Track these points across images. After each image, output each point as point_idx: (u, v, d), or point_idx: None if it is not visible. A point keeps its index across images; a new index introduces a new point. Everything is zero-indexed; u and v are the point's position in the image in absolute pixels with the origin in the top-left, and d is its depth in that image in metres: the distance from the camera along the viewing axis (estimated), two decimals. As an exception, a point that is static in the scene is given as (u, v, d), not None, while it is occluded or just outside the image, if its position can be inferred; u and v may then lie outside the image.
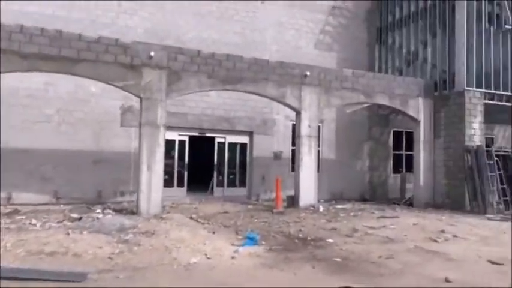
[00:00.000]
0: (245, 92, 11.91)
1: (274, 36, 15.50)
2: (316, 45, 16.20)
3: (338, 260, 6.73)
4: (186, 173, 14.34)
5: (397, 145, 17.38)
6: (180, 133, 14.13)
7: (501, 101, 13.97)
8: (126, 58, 10.24)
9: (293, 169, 13.40)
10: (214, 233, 8.45)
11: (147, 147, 10.31)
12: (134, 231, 7.89)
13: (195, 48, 11.55)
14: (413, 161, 14.42)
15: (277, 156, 15.21)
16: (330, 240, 8.17)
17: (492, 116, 15.49)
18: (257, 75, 11.63)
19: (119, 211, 10.61)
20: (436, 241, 8.38)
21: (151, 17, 13.75)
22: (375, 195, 16.31)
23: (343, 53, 16.54)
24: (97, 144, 12.82)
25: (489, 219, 11.22)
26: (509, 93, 13.99)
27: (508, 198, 12.28)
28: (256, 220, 10.39)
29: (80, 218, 8.84)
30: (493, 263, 6.77)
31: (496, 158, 12.40)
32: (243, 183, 15.18)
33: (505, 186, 12.42)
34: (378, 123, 16.74)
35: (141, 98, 10.46)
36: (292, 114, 13.05)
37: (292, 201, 12.35)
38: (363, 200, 15.76)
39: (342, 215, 11.40)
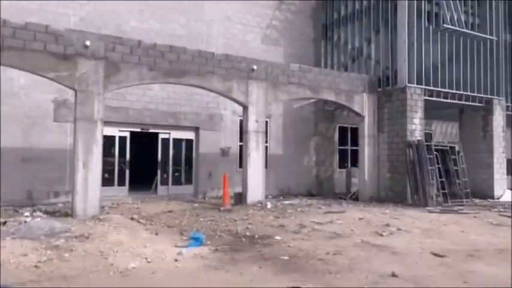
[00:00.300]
0: (189, 85, 11.43)
1: (221, 30, 15.10)
2: (263, 40, 16.00)
3: (286, 258, 6.52)
4: (127, 171, 13.60)
5: (342, 140, 17.65)
6: (121, 129, 13.36)
7: (439, 97, 14.53)
8: (58, 47, 9.39)
9: (241, 165, 13.13)
10: (156, 234, 7.96)
11: (82, 144, 9.55)
12: (66, 236, 7.22)
13: (136, 38, 10.89)
14: (358, 155, 14.67)
15: (224, 152, 14.86)
16: (278, 238, 7.97)
17: (430, 112, 16.15)
18: (202, 68, 11.19)
19: (51, 213, 9.77)
20: (381, 235, 8.44)
21: (87, 4, 12.83)
22: (321, 190, 16.46)
23: (290, 48, 16.48)
24: (27, 141, 11.76)
25: (429, 211, 11.60)
26: (447, 90, 14.60)
27: (446, 190, 12.79)
28: (202, 219, 9.99)
29: (4, 223, 7.98)
30: (436, 255, 6.87)
31: (435, 152, 12.88)
32: (189, 181, 14.68)
33: (443, 179, 12.93)
34: (324, 118, 16.88)
35: (75, 91, 9.66)
36: (240, 109, 12.76)
37: (240, 198, 12.07)
38: (310, 195, 15.84)
39: (289, 211, 11.29)
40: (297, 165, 16.26)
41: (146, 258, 6.18)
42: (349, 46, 16.08)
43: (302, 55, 16.46)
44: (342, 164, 17.44)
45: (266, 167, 14.77)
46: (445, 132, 20.52)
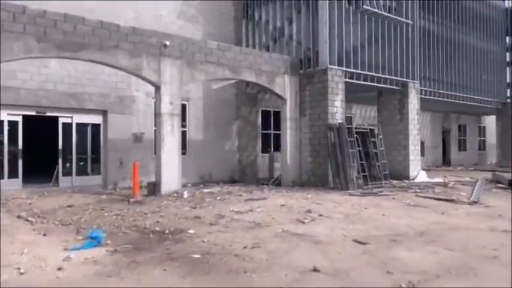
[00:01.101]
0: (89, 61, 9.97)
1: (131, 2, 13.58)
2: (179, 16, 14.77)
3: (197, 256, 5.67)
4: (20, 161, 11.77)
5: (265, 124, 17.13)
6: (10, 112, 11.49)
7: (359, 80, 14.49)
8: None
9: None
10: (44, 235, 6.70)
11: (-50, 129, 7.81)
12: None
13: (22, 4, 9.17)
14: (281, 139, 14.20)
15: (137, 138, 13.54)
16: (191, 232, 7.10)
17: (350, 95, 16.15)
18: (105, 42, 9.80)
19: None
20: (303, 222, 7.93)
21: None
22: (244, 175, 15.83)
23: (209, 26, 15.45)
24: None
25: (350, 194, 11.45)
26: (366, 73, 14.59)
27: (366, 173, 12.79)
28: (107, 213, 8.79)
29: None
30: (358, 242, 6.47)
31: (355, 135, 12.77)
32: (97, 171, 13.19)
33: (363, 162, 12.90)
34: (246, 102, 16.19)
35: None
36: (153, 90, 11.55)
37: (154, 188, 10.97)
38: (233, 181, 15.15)
39: (208, 200, 10.44)
40: (219, 151, 15.43)
41: (19, 268, 4.97)
42: (271, 26, 15.45)
43: (222, 34, 15.51)
44: (265, 149, 16.96)
45: (185, 153, 13.79)
46: (365, 116, 20.94)
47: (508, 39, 24.41)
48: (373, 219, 8.30)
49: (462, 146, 27.90)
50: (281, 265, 5.30)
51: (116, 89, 13.07)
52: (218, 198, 10.71)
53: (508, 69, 24.38)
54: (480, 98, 22.20)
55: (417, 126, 16.33)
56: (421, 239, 6.70)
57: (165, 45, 10.74)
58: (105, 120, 13.04)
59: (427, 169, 21.97)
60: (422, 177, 15.83)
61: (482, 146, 29.40)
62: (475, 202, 10.42)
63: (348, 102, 19.60)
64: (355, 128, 13.01)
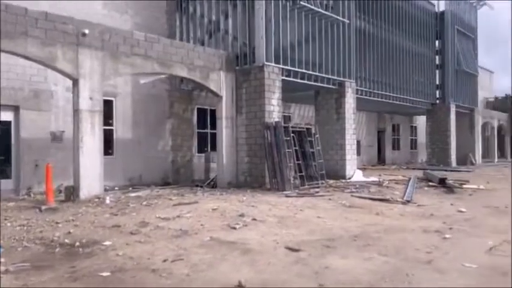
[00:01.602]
0: (-9, 48, 8.67)
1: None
2: (105, 5, 13.59)
3: (106, 274, 4.87)
4: None
5: (202, 123, 16.38)
6: None
7: (297, 78, 14.20)
8: None
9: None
10: None
11: None
12: None
13: None
14: (216, 139, 13.54)
15: (56, 137, 12.24)
16: (107, 243, 6.25)
17: (288, 94, 15.90)
18: (10, 28, 8.57)
19: None
20: (234, 228, 7.35)
21: None
22: (178, 177, 14.98)
23: (139, 18, 14.43)
24: None
25: (287, 195, 11.06)
26: (303, 71, 14.34)
27: (303, 173, 12.49)
28: (10, 224, 7.64)
29: None
30: (290, 249, 5.99)
31: (292, 134, 12.43)
32: (7, 174, 11.72)
33: (300, 161, 12.59)
34: (180, 99, 15.34)
35: None
36: (72, 84, 10.38)
37: (72, 193, 9.85)
38: (166, 183, 14.24)
39: (132, 205, 9.53)
40: (150, 151, 14.45)
41: None
42: (206, 20, 14.72)
43: (153, 27, 14.54)
44: (202, 149, 16.20)
45: (112, 153, 12.70)
46: (303, 115, 20.85)
47: (437, 42, 25.57)
48: (308, 222, 7.91)
49: (396, 145, 28.94)
50: (204, 280, 4.67)
51: (31, 83, 11.70)
52: (144, 203, 9.82)
53: (437, 71, 25.55)
54: (412, 98, 23.01)
55: (353, 125, 16.41)
56: (356, 244, 6.36)
57: (84, 34, 9.66)
58: (17, 117, 11.62)
59: (362, 168, 22.40)
60: (358, 176, 15.92)
61: (414, 145, 30.72)
62: (408, 201, 10.44)
63: (286, 102, 19.45)
64: (292, 127, 12.67)
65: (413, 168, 21.95)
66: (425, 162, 26.42)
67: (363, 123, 25.56)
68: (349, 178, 15.70)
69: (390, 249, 6.03)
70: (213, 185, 13.32)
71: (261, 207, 9.31)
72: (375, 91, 19.93)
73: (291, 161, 12.11)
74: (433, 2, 25.19)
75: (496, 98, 38.43)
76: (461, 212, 9.21)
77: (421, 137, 29.32)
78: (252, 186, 12.76)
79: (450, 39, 25.19)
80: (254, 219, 8.03)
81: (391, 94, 21.28)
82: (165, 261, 5.40)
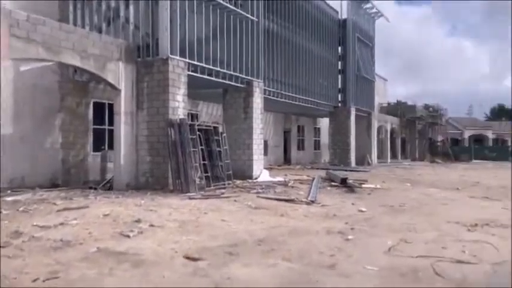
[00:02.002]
0: None
1: None
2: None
3: (-51, 304, 3.82)
4: None
5: (99, 119, 14.93)
6: None
7: (204, 74, 13.62)
8: None
9: None
10: None
11: None
12: None
13: None
14: (114, 136, 12.38)
15: None
16: (-36, 261, 5.05)
17: (195, 92, 15.25)
18: None
19: None
20: (128, 236, 6.53)
21: None
22: (69, 178, 13.43)
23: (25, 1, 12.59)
24: None
25: (190, 198, 10.42)
26: (211, 67, 13.80)
27: (209, 174, 11.93)
28: None
29: None
30: (189, 258, 5.41)
31: (198, 133, 11.81)
32: None
33: (206, 161, 12.02)
34: (73, 91, 13.77)
35: None
36: None
37: None
38: (54, 185, 12.65)
39: (6, 212, 8.12)
40: (36, 149, 12.73)
41: None
42: (104, 6, 13.40)
43: (44, 11, 12.77)
44: (99, 147, 14.76)
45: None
46: (212, 113, 20.32)
47: (339, 48, 26.84)
48: (211, 227, 7.38)
49: (301, 146, 29.84)
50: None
51: None
52: (21, 209, 8.45)
53: (339, 76, 26.81)
54: (317, 101, 23.80)
55: (261, 125, 16.31)
56: (260, 249, 6.00)
57: None
58: None
59: (269, 168, 22.56)
60: (265, 176, 15.84)
61: (317, 145, 32.00)
62: (313, 201, 10.48)
63: (194, 99, 18.76)
64: (198, 125, 12.05)
65: (317, 168, 22.70)
66: (328, 162, 27.60)
67: (270, 123, 25.84)
68: (256, 178, 15.55)
69: (294, 253, 5.78)
70: (109, 187, 12.13)
71: (161, 212, 8.56)
72: (282, 92, 20.16)
73: (196, 160, 11.48)
74: (336, 9, 26.38)
75: (389, 104, 41.78)
76: (361, 211, 9.42)
77: (324, 138, 30.63)
78: (154, 188, 11.88)
79: (351, 46, 26.62)
80: (152, 225, 7.27)
81: (297, 96, 21.73)
82: (35, 280, 4.49)
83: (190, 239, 6.44)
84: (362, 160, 28.24)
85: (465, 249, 6.00)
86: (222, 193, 11.13)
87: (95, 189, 11.78)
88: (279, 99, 20.03)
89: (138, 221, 7.52)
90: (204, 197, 10.50)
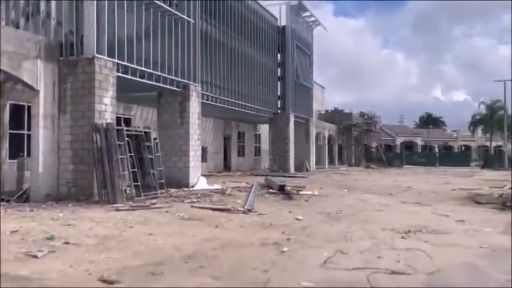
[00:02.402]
0: None
1: None
2: None
3: None
4: None
5: (17, 123, 13.52)
6: None
7: (135, 76, 12.80)
8: None
9: None
10: None
11: None
12: None
13: None
14: (31, 142, 11.18)
15: None
16: None
17: (128, 94, 14.36)
18: None
19: None
20: (35, 257, 5.69)
21: None
22: (-20, 189, 11.95)
23: None
24: None
25: (117, 209, 9.57)
26: (143, 69, 13.02)
27: (139, 182, 11.10)
28: None
29: None
30: (105, 281, 4.74)
31: (127, 139, 10.97)
32: None
33: (136, 169, 11.19)
34: (-15, 92, 12.34)
35: None
36: None
37: None
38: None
39: None
40: None
41: None
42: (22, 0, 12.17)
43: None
44: (16, 154, 13.34)
45: None
46: (147, 118, 19.35)
47: (279, 55, 26.92)
48: (135, 242, 6.69)
49: (241, 152, 29.50)
50: None
51: None
52: None
53: (279, 83, 26.86)
54: (257, 107, 23.62)
55: (198, 131, 15.70)
56: (188, 266, 5.45)
57: None
58: None
59: (208, 175, 21.96)
60: (202, 184, 15.23)
61: (258, 152, 31.85)
62: (249, 210, 10.08)
63: (127, 103, 17.75)
64: (127, 131, 11.20)
65: (257, 175, 22.44)
66: (268, 168, 27.49)
67: (209, 129, 25.25)
68: (193, 186, 14.89)
69: (225, 270, 5.31)
70: (25, 198, 10.91)
71: (81, 226, 7.70)
72: (222, 97, 19.72)
73: (124, 168, 10.63)
74: (276, 16, 26.48)
75: (327, 111, 42.85)
76: (298, 219, 9.17)
77: (265, 144, 30.52)
78: (78, 199, 10.85)
79: (290, 53, 26.83)
80: (66, 243, 6.45)
81: (237, 101, 21.39)
82: None
83: (110, 258, 5.74)
84: (301, 166, 28.47)
85: (400, 258, 5.88)
86: (153, 203, 10.38)
87: (8, 201, 10.51)
88: (218, 104, 19.55)
89: (51, 237, 6.65)
90: (132, 208, 9.70)
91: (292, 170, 26.22)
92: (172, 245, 6.59)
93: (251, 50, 23.03)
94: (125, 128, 11.03)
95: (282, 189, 13.29)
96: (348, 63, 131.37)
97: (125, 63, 12.16)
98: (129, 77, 12.44)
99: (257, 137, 31.71)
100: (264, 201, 12.01)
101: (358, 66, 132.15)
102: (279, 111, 26.58)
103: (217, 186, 15.10)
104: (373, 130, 49.32)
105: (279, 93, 26.79)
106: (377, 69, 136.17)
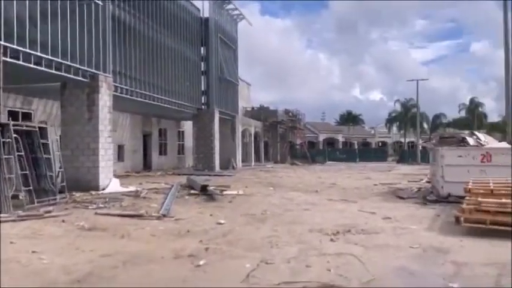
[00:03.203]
0: None
1: None
2: None
3: None
4: None
5: None
6: None
7: (29, 62, 10.95)
8: None
9: None
10: None
11: None
12: None
13: None
14: None
15: None
16: None
17: (24, 84, 12.40)
18: None
19: None
20: None
21: None
22: None
23: None
24: None
25: (1, 220, 7.88)
26: (40, 55, 11.19)
27: (31, 187, 9.34)
28: None
29: None
30: None
31: (15, 135, 9.18)
32: None
33: (27, 171, 9.42)
34: None
35: None
36: None
37: None
38: None
39: None
40: None
41: None
42: None
43: None
44: None
45: None
46: (51, 113, 17.13)
47: (202, 49, 25.73)
48: (13, 264, 5.30)
49: (163, 150, 27.83)
50: None
51: None
52: None
53: (202, 77, 25.68)
54: (179, 102, 22.27)
55: (109, 127, 14.05)
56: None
57: None
58: None
59: (125, 175, 20.24)
60: (115, 186, 13.66)
61: (181, 150, 30.36)
62: (165, 215, 8.93)
63: (26, 95, 15.59)
64: (15, 125, 9.40)
65: (179, 174, 21.12)
66: (192, 167, 26.22)
67: (126, 125, 23.35)
68: (104, 189, 13.27)
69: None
70: None
71: None
72: (139, 90, 18.15)
73: (11, 171, 8.87)
74: (198, 7, 25.27)
75: (253, 108, 42.49)
76: (220, 224, 8.24)
77: (189, 141, 29.13)
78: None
79: (214, 47, 25.76)
80: None
81: (157, 95, 19.93)
82: None
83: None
84: (227, 164, 27.61)
85: (331, 266, 5.22)
86: (49, 211, 8.77)
87: None
88: (135, 98, 17.95)
89: None
90: (21, 219, 8.07)
91: (217, 168, 25.22)
92: (60, 265, 5.30)
93: (172, 41, 21.62)
94: (12, 123, 9.21)
95: (204, 189, 12.26)
96: (274, 62, 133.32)
97: (15, 46, 10.30)
98: (21, 63, 10.57)
99: (181, 134, 30.20)
100: (183, 204, 10.90)
101: (283, 65, 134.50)
102: (203, 107, 25.41)
103: (132, 188, 13.65)
104: (298, 127, 50.02)
105: (203, 88, 25.62)
106: (301, 69, 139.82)
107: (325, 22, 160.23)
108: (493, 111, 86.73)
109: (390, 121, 65.47)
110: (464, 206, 7.63)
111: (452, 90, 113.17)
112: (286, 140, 47.37)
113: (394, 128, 66.45)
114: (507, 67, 17.82)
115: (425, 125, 62.20)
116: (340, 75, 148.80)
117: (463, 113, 64.83)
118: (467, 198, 8.18)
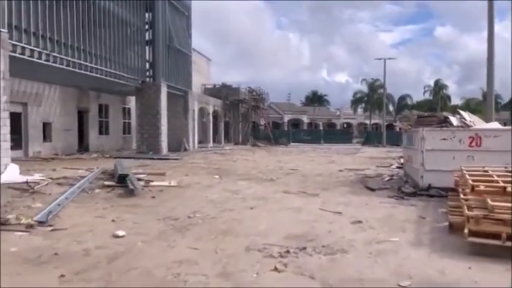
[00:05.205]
0: None
1: None
2: None
3: None
4: None
5: None
6: None
7: None
8: None
9: None
10: None
11: None
12: None
13: None
14: None
15: None
16: None
17: None
18: None
19: None
20: None
21: None
22: None
23: None
24: None
25: None
26: None
27: None
28: None
29: None
30: None
31: None
32: None
33: None
34: None
35: None
36: None
37: None
38: None
39: None
40: None
41: None
42: None
43: None
44: None
45: None
46: None
47: (147, 15, 22.36)
48: None
49: (104, 129, 24.47)
50: None
51: None
52: None
53: (147, 47, 22.38)
54: (118, 73, 19.07)
55: (5, 97, 10.86)
56: None
57: None
58: None
59: (50, 159, 17.10)
60: (11, 174, 10.58)
61: (127, 129, 27.09)
62: (42, 222, 6.13)
63: None
64: None
65: (116, 157, 18.06)
66: (136, 149, 23.12)
67: (55, 99, 19.91)
68: (-4, 178, 10.18)
69: None
70: None
71: None
72: (64, 56, 14.97)
73: None
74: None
75: (215, 86, 39.48)
76: (117, 237, 5.56)
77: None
78: None
79: (161, 11, 22.41)
80: None
81: (89, 64, 16.77)
82: None
83: None
84: (178, 145, 24.70)
85: None
86: None
87: None
88: (57, 65, 14.73)
89: None
90: None
91: (165, 150, 22.23)
92: None
93: (111, 3, 18.29)
94: None
95: (121, 180, 9.46)
96: (245, 42, 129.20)
97: None
98: None
99: (126, 111, 26.83)
100: (86, 201, 8.09)
101: (254, 45, 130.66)
102: (148, 79, 22.18)
103: (36, 177, 10.65)
104: (261, 107, 47.44)
105: (147, 59, 22.33)
106: (272, 49, 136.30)
107: (297, 4, 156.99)
108: (456, 95, 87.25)
109: (355, 102, 64.03)
110: (466, 211, 5.33)
111: (417, 73, 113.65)
112: (248, 120, 44.72)
113: (360, 110, 65.13)
114: (490, 62, 16.29)
115: (390, 107, 61.23)
116: (310, 56, 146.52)
117: (427, 96, 64.35)
118: (465, 197, 5.96)
